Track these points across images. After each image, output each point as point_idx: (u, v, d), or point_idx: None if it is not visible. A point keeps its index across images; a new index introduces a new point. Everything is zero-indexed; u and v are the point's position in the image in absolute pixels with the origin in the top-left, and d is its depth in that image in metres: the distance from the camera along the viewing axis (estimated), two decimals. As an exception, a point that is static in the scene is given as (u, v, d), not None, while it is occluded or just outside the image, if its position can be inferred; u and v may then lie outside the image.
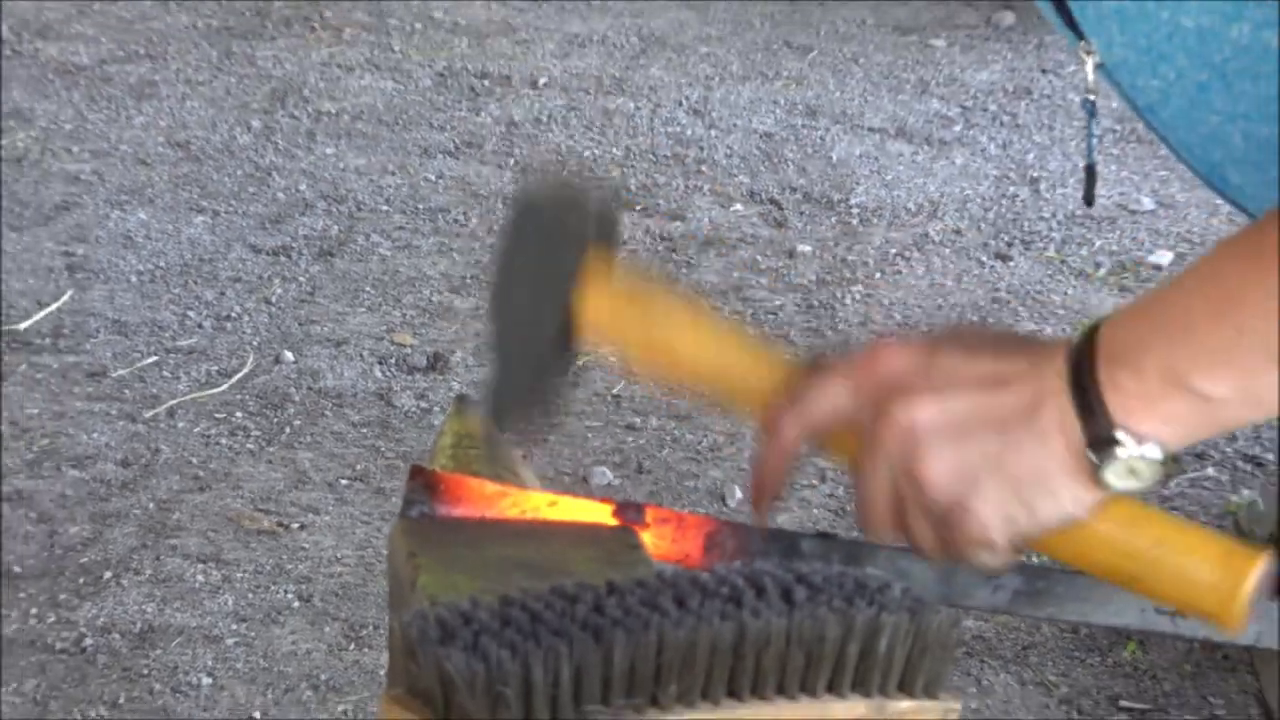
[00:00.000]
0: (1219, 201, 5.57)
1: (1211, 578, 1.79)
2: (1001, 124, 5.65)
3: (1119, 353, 1.75)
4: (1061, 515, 1.78)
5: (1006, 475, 1.79)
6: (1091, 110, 1.98)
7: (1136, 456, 1.72)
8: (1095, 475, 1.73)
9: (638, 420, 4.71)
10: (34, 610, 4.28)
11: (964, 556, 1.81)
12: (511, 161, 5.55)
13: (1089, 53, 1.92)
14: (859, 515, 1.82)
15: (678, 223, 5.23)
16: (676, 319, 1.89)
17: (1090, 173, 2.10)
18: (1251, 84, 1.78)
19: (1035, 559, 2.00)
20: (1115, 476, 1.73)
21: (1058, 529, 1.78)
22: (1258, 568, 1.77)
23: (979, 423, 1.78)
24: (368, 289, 5.06)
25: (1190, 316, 1.74)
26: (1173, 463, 1.72)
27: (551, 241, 1.95)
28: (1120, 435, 1.72)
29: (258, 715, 4.06)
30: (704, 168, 5.44)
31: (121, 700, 4.07)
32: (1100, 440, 1.73)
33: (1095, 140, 2.02)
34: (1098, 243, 5.28)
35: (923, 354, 1.80)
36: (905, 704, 1.74)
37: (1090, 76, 1.95)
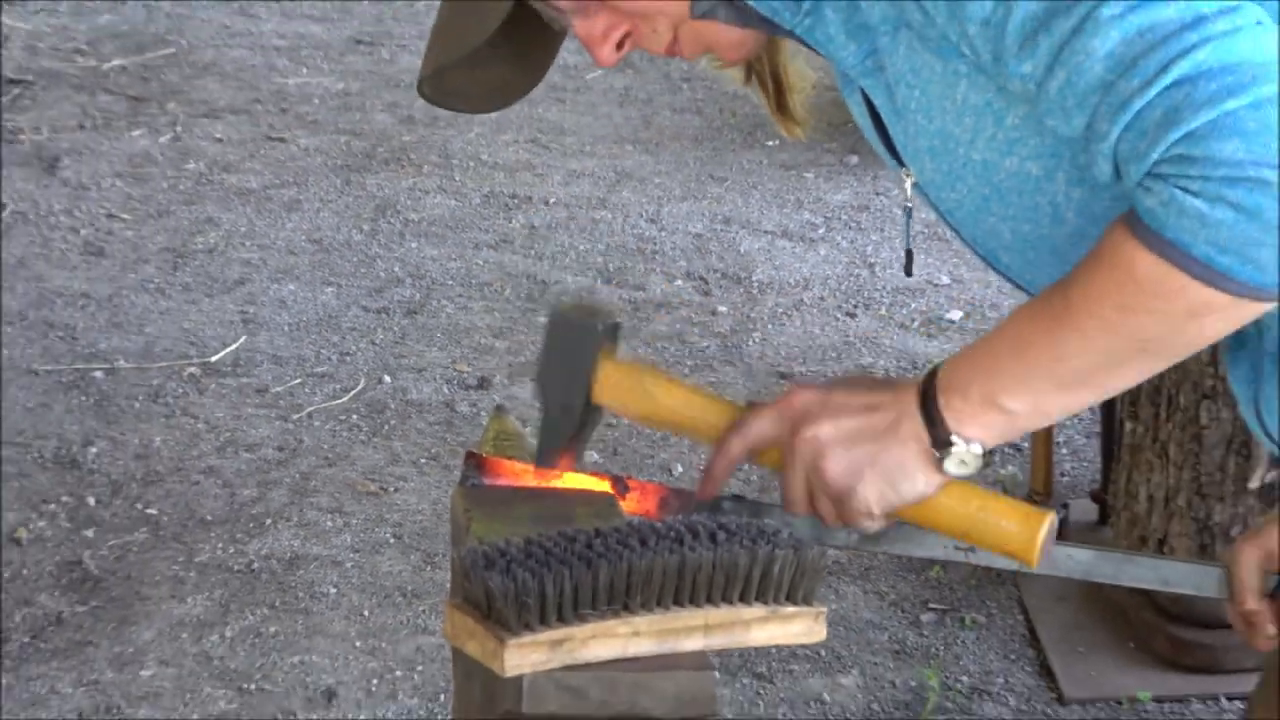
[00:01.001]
0: (994, 277, 5.52)
1: (1018, 530, 1.90)
2: (850, 228, 5.64)
3: (951, 384, 1.83)
4: (917, 493, 1.86)
5: (880, 469, 1.86)
6: (909, 214, 2.04)
7: (965, 452, 1.82)
8: (939, 465, 1.84)
9: (614, 420, 4.73)
10: (219, 545, 4.29)
11: (854, 523, 1.88)
12: (533, 253, 5.58)
13: (908, 175, 1.98)
14: (784, 500, 1.90)
15: (640, 292, 5.28)
16: (659, 388, 1.97)
17: (909, 256, 2.15)
18: (1017, 197, 1.84)
19: None
20: (952, 466, 1.84)
21: (914, 502, 1.86)
22: (1047, 523, 1.89)
23: (861, 435, 1.86)
24: (438, 335, 5.11)
25: (998, 358, 1.82)
26: (989, 455, 1.83)
27: (575, 340, 2.00)
28: (954, 439, 1.83)
29: (366, 613, 4.06)
30: (656, 256, 5.46)
31: (276, 604, 4.10)
32: (941, 442, 1.84)
33: (911, 235, 2.07)
34: (913, 305, 5.28)
35: (821, 393, 1.89)
36: (790, 609, 1.83)
37: (909, 191, 2.00)
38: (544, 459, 2.02)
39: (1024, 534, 1.89)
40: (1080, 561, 2.03)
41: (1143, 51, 1.64)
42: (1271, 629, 2.01)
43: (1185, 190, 1.63)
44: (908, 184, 2.00)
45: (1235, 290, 1.65)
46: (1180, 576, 2.12)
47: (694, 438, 2.01)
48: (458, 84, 2.00)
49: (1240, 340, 1.94)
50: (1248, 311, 1.69)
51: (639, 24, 1.94)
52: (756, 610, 1.80)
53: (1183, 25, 1.63)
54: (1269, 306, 1.69)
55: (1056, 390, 1.79)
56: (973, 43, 1.74)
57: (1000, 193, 1.86)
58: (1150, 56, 1.64)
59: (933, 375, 1.83)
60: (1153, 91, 1.63)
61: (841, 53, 1.92)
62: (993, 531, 1.90)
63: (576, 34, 1.94)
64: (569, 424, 2.01)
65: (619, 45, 1.94)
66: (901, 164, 1.99)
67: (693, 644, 1.79)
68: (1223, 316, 1.69)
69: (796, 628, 1.82)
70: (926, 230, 5.69)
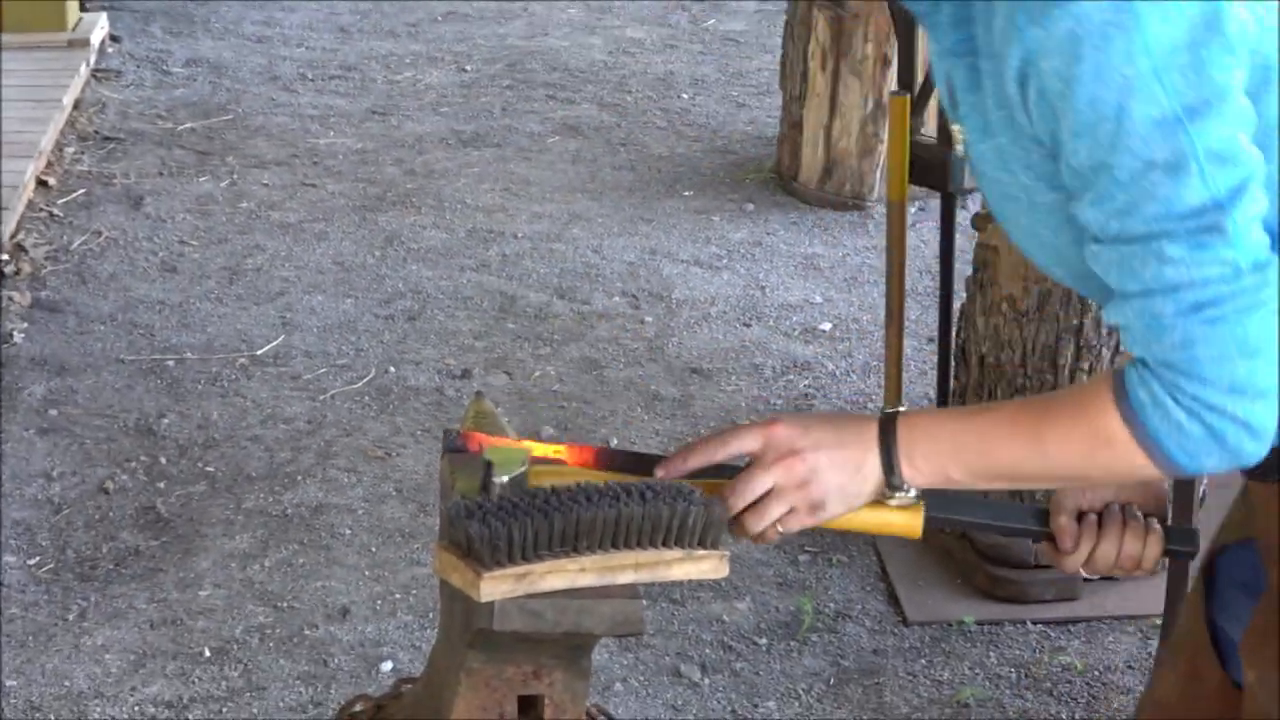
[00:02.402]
0: (857, 297, 5.47)
1: (904, 522, 1.86)
2: (746, 259, 5.62)
3: (914, 449, 1.76)
4: (856, 510, 1.81)
5: (845, 494, 1.79)
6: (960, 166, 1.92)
7: (907, 496, 1.79)
8: (885, 498, 1.79)
9: (565, 403, 4.71)
10: (261, 495, 4.25)
11: (771, 539, 1.83)
12: (505, 274, 5.56)
13: (961, 136, 1.80)
14: (730, 500, 1.81)
15: (586, 305, 5.26)
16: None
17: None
18: (1047, 215, 1.68)
19: None
20: (894, 502, 1.80)
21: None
22: (923, 513, 1.85)
23: (836, 469, 1.77)
24: (432, 337, 5.08)
25: (964, 448, 1.75)
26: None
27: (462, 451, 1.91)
28: (904, 485, 1.77)
29: (373, 549, 4.03)
30: (599, 278, 5.43)
31: (304, 541, 4.06)
32: (892, 485, 1.78)
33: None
34: (794, 318, 5.28)
35: (800, 426, 1.79)
36: (701, 552, 1.80)
37: (960, 150, 1.80)
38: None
39: (912, 524, 1.86)
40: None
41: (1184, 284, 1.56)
42: (1081, 550, 1.93)
43: (1175, 400, 1.59)
44: (959, 141, 1.79)
45: (1168, 469, 1.65)
46: (987, 512, 2.10)
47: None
48: None
49: None
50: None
51: None
52: (675, 553, 1.78)
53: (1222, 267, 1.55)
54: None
55: (991, 480, 1.76)
56: (1049, 148, 1.62)
57: (1036, 209, 1.71)
58: (1183, 295, 1.56)
59: (892, 427, 1.76)
60: (1173, 307, 1.57)
61: (941, 36, 1.72)
62: (892, 526, 1.86)
63: None
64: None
65: None
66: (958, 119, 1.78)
67: (625, 578, 1.77)
68: (1146, 472, 1.67)
69: (706, 566, 1.79)
70: (805, 261, 5.68)
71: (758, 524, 1.80)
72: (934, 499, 1.87)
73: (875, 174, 6.02)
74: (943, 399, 4.17)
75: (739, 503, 1.80)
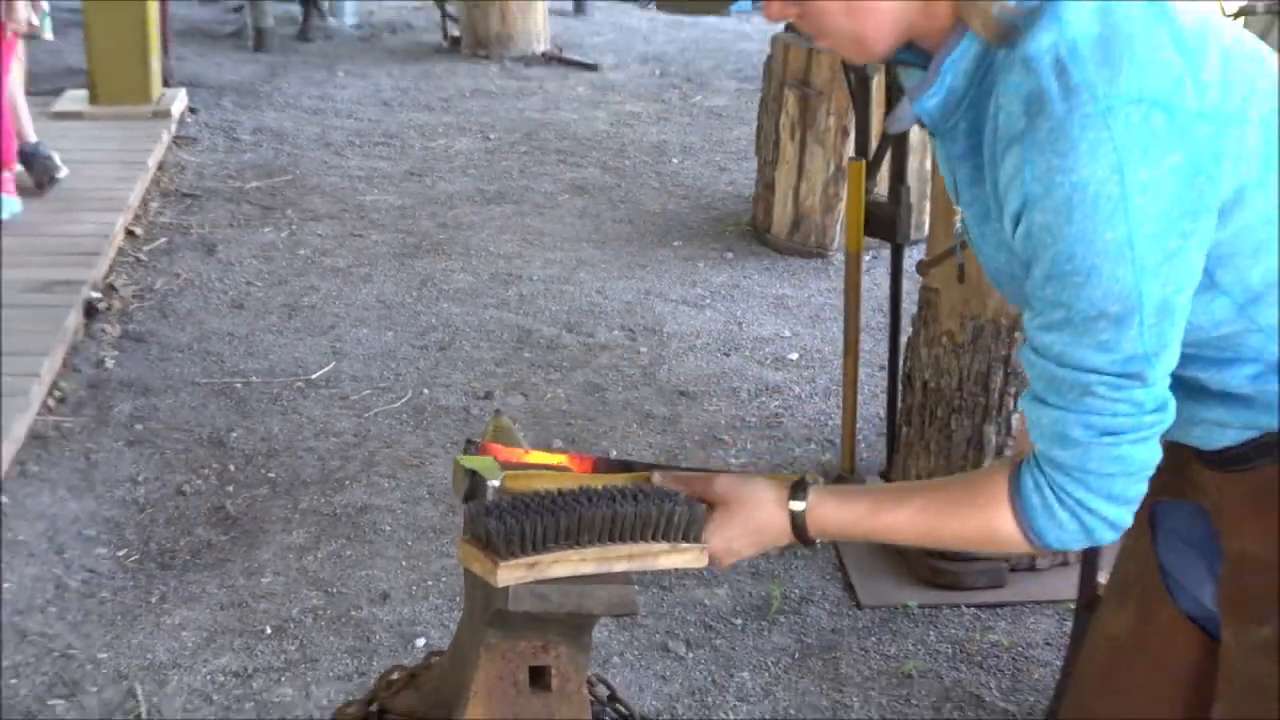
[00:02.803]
0: (820, 331, 5.45)
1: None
2: (726, 299, 5.63)
3: (819, 523, 1.75)
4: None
5: (763, 546, 1.80)
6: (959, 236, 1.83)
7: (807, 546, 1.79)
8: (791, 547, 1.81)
9: (571, 421, 4.71)
10: (315, 497, 4.26)
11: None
12: (522, 311, 5.58)
13: (958, 210, 1.74)
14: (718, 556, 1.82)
15: (590, 337, 5.29)
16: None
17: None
18: (1011, 267, 1.63)
19: None
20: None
21: None
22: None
23: (757, 534, 1.78)
24: (460, 364, 5.09)
25: (868, 532, 1.76)
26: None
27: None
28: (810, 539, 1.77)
29: (410, 543, 4.02)
30: (601, 315, 5.45)
31: (351, 536, 4.05)
32: (801, 541, 1.77)
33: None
34: (767, 349, 5.29)
35: (725, 545, 1.80)
36: (685, 545, 1.80)
37: (959, 227, 1.77)
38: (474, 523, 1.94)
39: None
40: None
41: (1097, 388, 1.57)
42: None
43: (1059, 500, 1.62)
44: (957, 218, 1.75)
45: (1037, 547, 1.66)
46: None
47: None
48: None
49: None
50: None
51: (808, 20, 1.59)
52: (662, 546, 1.78)
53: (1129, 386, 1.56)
54: None
55: (881, 539, 1.77)
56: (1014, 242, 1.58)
57: (1011, 252, 1.60)
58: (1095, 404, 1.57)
59: (803, 497, 1.75)
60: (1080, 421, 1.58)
61: (953, 147, 1.66)
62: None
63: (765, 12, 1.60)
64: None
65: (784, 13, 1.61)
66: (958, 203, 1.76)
67: (620, 567, 1.77)
68: (1016, 548, 1.69)
69: (689, 557, 1.79)
70: (776, 301, 5.70)
71: (727, 563, 1.84)
72: None
73: (836, 227, 6.04)
74: (891, 417, 4.18)
75: (721, 552, 1.83)
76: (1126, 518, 1.64)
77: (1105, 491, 1.60)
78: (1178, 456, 1.82)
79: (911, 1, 1.56)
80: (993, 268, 1.71)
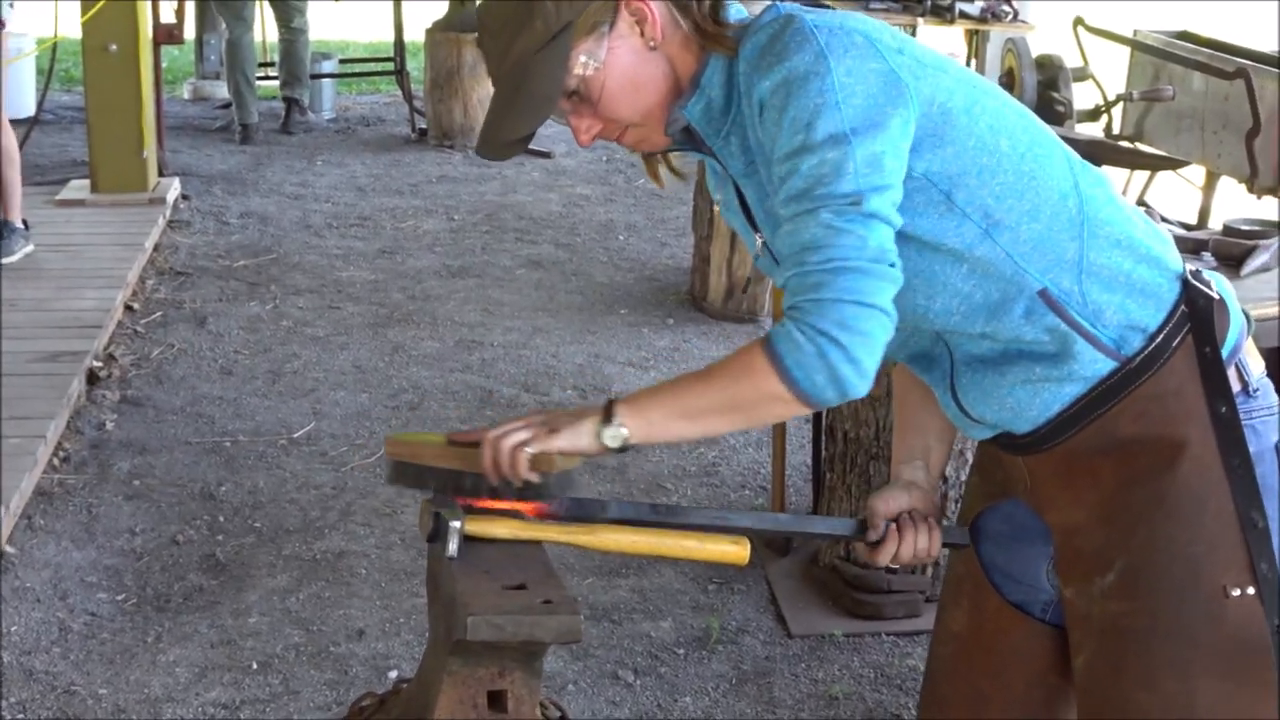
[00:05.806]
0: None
1: (736, 550, 1.86)
2: (669, 361, 5.67)
3: (628, 400, 1.74)
4: (579, 446, 1.75)
5: (572, 425, 1.76)
6: (758, 259, 1.90)
7: (616, 433, 1.72)
8: (599, 441, 1.73)
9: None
10: (297, 544, 4.23)
11: (534, 449, 1.76)
12: (484, 374, 5.58)
13: (760, 237, 1.85)
14: (489, 433, 1.82)
15: (545, 396, 5.29)
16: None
17: (747, 282, 2.13)
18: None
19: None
20: (609, 440, 1.72)
21: (573, 450, 1.75)
22: (746, 548, 1.86)
23: (567, 417, 1.80)
24: (429, 422, 5.13)
25: (659, 394, 1.75)
26: (631, 447, 1.73)
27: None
28: (615, 419, 1.72)
29: (383, 585, 4.02)
30: (555, 376, 5.46)
31: (330, 579, 4.03)
32: (606, 420, 1.73)
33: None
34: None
35: (547, 413, 1.84)
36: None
37: (759, 248, 1.87)
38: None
39: (741, 554, 1.86)
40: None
41: (809, 250, 1.66)
42: (888, 546, 1.98)
43: (799, 329, 1.65)
44: (759, 243, 1.85)
45: (794, 391, 1.66)
46: (828, 526, 2.12)
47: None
48: (497, 150, 1.79)
49: (928, 364, 1.89)
50: (800, 409, 1.69)
51: (610, 126, 1.79)
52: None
53: (829, 245, 1.65)
54: (812, 409, 1.70)
55: (680, 417, 1.71)
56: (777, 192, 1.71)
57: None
58: (814, 255, 1.66)
59: (612, 401, 1.74)
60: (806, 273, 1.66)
61: (733, 164, 1.80)
62: (724, 556, 1.86)
63: (570, 123, 1.80)
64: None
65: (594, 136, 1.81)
66: (756, 230, 1.85)
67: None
68: (786, 407, 1.69)
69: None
70: (712, 362, 5.71)
71: (505, 442, 1.77)
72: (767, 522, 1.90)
73: (766, 295, 6.09)
74: (816, 464, 4.20)
75: (494, 433, 1.79)
76: (864, 351, 1.65)
77: (834, 317, 1.63)
78: (988, 456, 1.98)
79: (670, 57, 1.75)
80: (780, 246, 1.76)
